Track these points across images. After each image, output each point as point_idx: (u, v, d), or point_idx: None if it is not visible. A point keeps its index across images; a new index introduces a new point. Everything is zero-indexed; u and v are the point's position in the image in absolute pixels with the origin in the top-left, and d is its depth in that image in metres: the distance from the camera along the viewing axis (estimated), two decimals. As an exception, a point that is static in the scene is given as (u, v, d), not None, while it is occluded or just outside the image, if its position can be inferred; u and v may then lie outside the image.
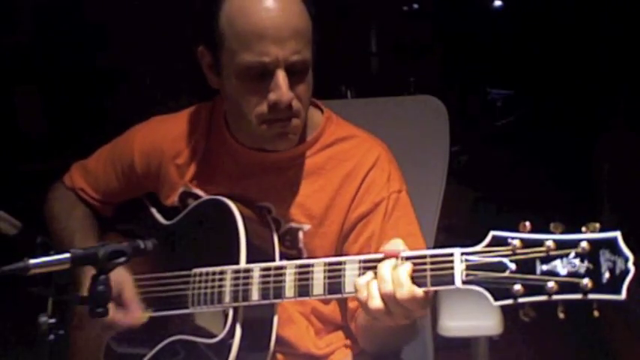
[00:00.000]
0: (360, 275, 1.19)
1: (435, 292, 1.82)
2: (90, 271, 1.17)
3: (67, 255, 1.12)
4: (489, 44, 4.62)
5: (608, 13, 3.87)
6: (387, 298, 1.13)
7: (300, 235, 1.45)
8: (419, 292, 1.12)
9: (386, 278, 1.13)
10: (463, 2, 4.86)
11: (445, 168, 1.88)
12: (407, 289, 1.12)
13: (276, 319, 1.35)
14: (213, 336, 1.34)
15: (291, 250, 1.46)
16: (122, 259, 1.17)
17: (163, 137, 1.54)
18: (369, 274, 1.17)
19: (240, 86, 1.33)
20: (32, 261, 1.10)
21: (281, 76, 1.29)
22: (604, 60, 3.91)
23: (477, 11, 4.92)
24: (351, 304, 1.42)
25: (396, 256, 1.16)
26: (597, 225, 1.00)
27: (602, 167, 3.47)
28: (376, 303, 1.14)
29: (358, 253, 1.36)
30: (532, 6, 4.49)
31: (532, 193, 3.65)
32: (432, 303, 1.20)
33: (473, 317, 1.65)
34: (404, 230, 1.42)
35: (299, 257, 1.45)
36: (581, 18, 4.13)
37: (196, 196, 1.50)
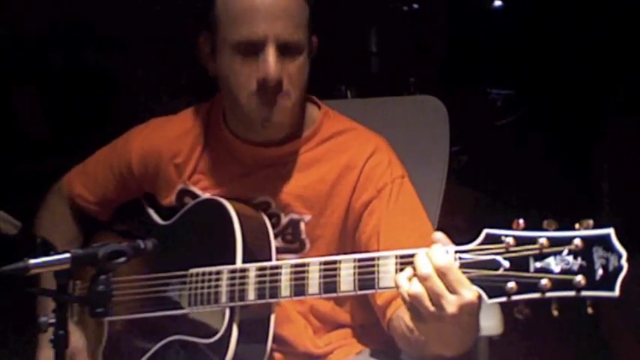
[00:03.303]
0: (354, 274, 1.18)
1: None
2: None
3: (67, 255, 1.12)
4: (489, 44, 4.63)
5: (607, 12, 3.87)
6: (425, 280, 1.03)
7: (302, 226, 1.45)
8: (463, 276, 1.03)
9: (423, 263, 1.04)
10: (463, 2, 4.86)
11: (445, 168, 1.88)
12: (448, 260, 1.03)
13: (273, 317, 1.35)
14: (210, 335, 1.34)
15: (293, 244, 1.46)
16: (122, 259, 1.17)
17: (161, 138, 1.55)
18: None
19: (232, 63, 1.35)
20: (32, 261, 1.10)
21: (270, 53, 1.31)
22: (604, 60, 3.92)
23: (476, 11, 4.93)
24: (380, 301, 1.35)
25: None
26: (590, 222, 0.99)
27: (602, 167, 3.48)
28: (415, 288, 1.03)
29: (367, 242, 1.38)
30: (532, 6, 4.50)
31: (532, 193, 3.65)
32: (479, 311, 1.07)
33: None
34: (411, 216, 1.41)
35: (301, 250, 1.45)
36: (580, 17, 4.14)
37: (194, 195, 1.50)
